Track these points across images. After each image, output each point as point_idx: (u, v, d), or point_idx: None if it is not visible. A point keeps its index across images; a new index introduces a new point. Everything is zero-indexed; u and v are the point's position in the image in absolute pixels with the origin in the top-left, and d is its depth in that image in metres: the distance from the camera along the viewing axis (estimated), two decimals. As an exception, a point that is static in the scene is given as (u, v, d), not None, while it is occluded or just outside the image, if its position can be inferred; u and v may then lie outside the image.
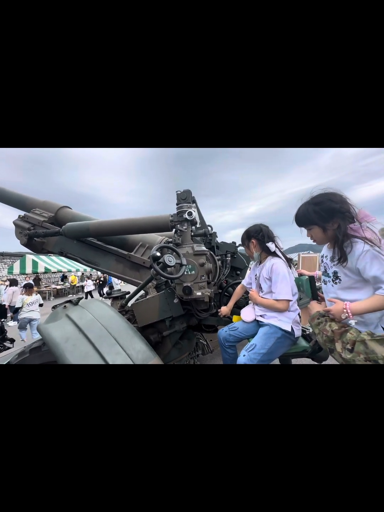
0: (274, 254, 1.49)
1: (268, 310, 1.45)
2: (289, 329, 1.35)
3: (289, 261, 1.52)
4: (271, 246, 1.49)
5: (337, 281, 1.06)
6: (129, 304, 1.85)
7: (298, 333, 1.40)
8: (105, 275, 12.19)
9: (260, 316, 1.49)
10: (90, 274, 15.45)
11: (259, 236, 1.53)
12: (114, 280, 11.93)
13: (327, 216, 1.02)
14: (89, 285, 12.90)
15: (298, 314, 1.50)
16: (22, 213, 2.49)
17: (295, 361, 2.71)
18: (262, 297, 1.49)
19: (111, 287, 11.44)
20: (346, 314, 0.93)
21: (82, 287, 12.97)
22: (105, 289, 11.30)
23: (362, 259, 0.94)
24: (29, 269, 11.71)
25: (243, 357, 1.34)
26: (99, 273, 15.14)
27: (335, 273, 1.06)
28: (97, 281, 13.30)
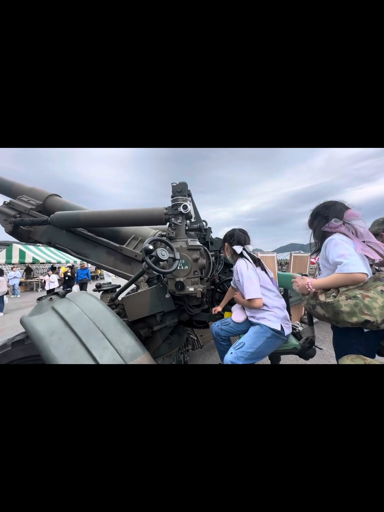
0: (240, 255, 1.54)
1: (257, 311, 1.47)
2: (279, 328, 1.36)
3: (257, 262, 1.55)
4: (237, 248, 1.55)
5: (319, 272, 1.22)
6: (120, 297, 1.81)
7: (288, 331, 1.41)
8: (73, 268, 9.86)
9: (251, 316, 1.51)
10: (53, 266, 10.66)
11: (230, 240, 1.62)
12: (105, 273, 10.70)
13: (312, 219, 1.28)
14: (53, 281, 9.49)
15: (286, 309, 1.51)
16: (7, 199, 2.36)
17: (284, 359, 2.77)
18: (241, 298, 1.52)
19: (82, 284, 8.99)
20: (309, 289, 1.11)
21: (67, 279, 9.19)
22: (75, 287, 9.12)
23: (327, 248, 1.10)
24: (15, 259, 11.28)
25: (230, 355, 1.36)
26: (74, 261, 12.76)
27: (318, 265, 1.23)
28: (63, 276, 9.48)
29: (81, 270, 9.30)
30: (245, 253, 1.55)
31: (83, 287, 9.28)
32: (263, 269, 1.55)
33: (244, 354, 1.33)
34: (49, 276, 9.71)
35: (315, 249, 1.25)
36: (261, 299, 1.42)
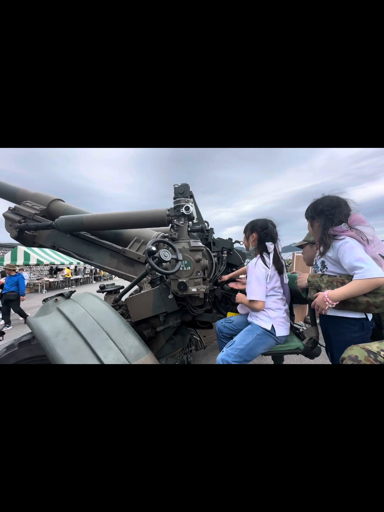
0: (262, 254, 1.44)
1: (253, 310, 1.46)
2: (269, 328, 1.36)
3: (278, 263, 1.43)
4: (269, 246, 1.46)
5: (324, 269, 1.21)
6: (123, 298, 1.83)
7: (281, 332, 1.38)
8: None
9: (248, 314, 1.53)
10: (57, 268, 7.12)
11: (262, 233, 1.48)
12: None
13: (314, 214, 1.24)
14: None
15: (287, 311, 1.48)
16: (12, 205, 2.40)
17: (287, 359, 2.75)
18: (243, 297, 1.49)
19: (8, 301, 5.37)
20: (327, 303, 1.08)
21: (76, 280, 7.34)
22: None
23: (340, 251, 1.09)
24: (20, 260, 11.45)
25: (222, 353, 1.39)
26: (77, 263, 11.23)
27: (322, 262, 1.23)
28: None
29: (10, 278, 5.45)
30: (272, 254, 1.43)
31: (8, 307, 5.29)
32: (281, 272, 1.45)
33: (234, 351, 1.36)
34: None
35: (320, 251, 1.20)
36: (263, 302, 1.37)
